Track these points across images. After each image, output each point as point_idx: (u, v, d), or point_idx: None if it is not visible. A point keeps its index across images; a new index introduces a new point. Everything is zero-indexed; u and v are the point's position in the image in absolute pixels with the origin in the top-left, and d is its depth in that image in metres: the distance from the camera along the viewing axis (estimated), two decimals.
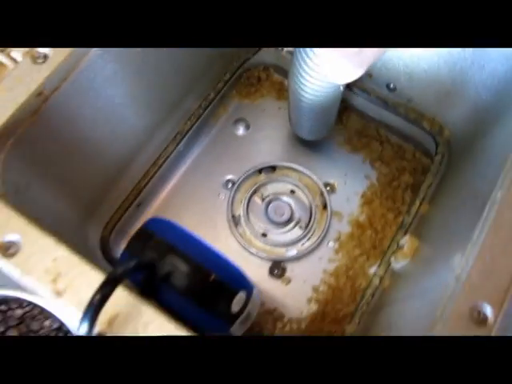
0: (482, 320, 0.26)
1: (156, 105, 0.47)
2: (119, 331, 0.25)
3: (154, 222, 0.33)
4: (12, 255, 0.27)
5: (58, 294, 0.26)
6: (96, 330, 0.25)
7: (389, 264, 0.47)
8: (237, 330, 0.34)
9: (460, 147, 0.48)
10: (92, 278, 0.27)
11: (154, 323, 0.25)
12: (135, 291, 0.27)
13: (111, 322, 0.25)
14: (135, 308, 0.26)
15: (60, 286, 0.26)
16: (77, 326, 0.24)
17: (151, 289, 0.29)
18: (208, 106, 0.54)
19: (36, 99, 0.32)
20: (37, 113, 0.32)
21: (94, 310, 0.23)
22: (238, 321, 0.33)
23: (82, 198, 0.43)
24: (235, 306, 0.32)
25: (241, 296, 0.32)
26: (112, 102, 0.40)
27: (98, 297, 0.23)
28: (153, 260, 0.28)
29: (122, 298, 0.26)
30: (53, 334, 0.50)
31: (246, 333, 0.48)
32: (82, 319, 0.23)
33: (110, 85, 0.39)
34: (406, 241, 0.44)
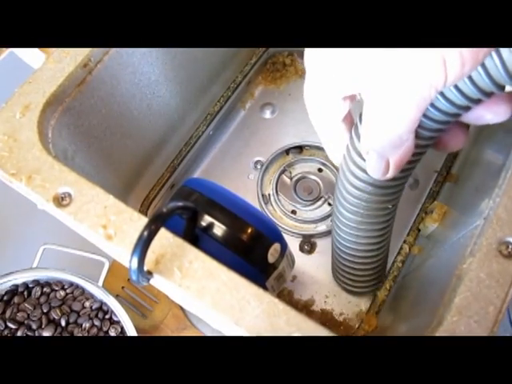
0: (510, 253, 0.27)
1: (187, 85, 0.50)
2: (167, 268, 0.27)
3: (193, 181, 0.35)
4: (66, 205, 0.29)
5: (109, 237, 0.28)
6: (145, 268, 0.27)
7: (418, 231, 0.48)
8: (272, 285, 0.36)
9: None
10: (138, 223, 0.29)
11: (197, 260, 0.27)
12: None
13: (158, 261, 0.27)
14: (180, 248, 0.28)
15: (110, 230, 0.29)
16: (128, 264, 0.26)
17: (192, 237, 0.31)
18: (236, 89, 0.56)
19: (82, 70, 0.35)
20: (83, 83, 0.35)
21: (143, 243, 0.25)
22: (274, 275, 0.35)
23: (121, 172, 0.46)
24: (271, 258, 0.33)
25: (276, 247, 0.33)
26: (148, 78, 0.43)
27: (146, 232, 0.25)
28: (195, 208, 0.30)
29: (166, 239, 0.28)
30: (93, 314, 0.53)
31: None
32: (133, 253, 0.25)
33: (147, 62, 0.41)
34: (435, 206, 0.45)
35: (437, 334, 0.25)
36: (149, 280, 0.27)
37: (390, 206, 0.34)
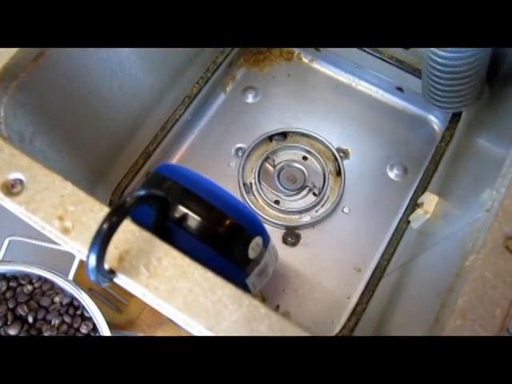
0: None
1: (163, 64, 0.46)
2: (132, 266, 0.24)
3: (167, 167, 0.31)
4: (16, 194, 0.26)
5: (66, 230, 0.25)
6: (106, 266, 0.23)
7: (408, 223, 0.45)
8: (253, 282, 0.33)
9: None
10: (100, 215, 0.25)
11: (168, 257, 0.24)
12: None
13: (122, 258, 0.24)
14: (147, 243, 0.24)
15: (67, 223, 0.25)
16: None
17: (163, 230, 0.27)
18: (216, 70, 0.53)
19: None
20: (41, 56, 0.31)
21: (102, 238, 0.22)
22: (255, 271, 0.32)
23: (90, 158, 0.42)
24: (252, 253, 0.30)
25: (257, 241, 0.30)
26: (118, 54, 0.39)
27: (105, 225, 0.22)
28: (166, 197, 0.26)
29: (132, 233, 0.24)
30: (63, 310, 0.49)
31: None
32: (90, 250, 0.22)
33: None
34: (426, 197, 0.43)
35: None
36: (111, 280, 0.24)
37: None
